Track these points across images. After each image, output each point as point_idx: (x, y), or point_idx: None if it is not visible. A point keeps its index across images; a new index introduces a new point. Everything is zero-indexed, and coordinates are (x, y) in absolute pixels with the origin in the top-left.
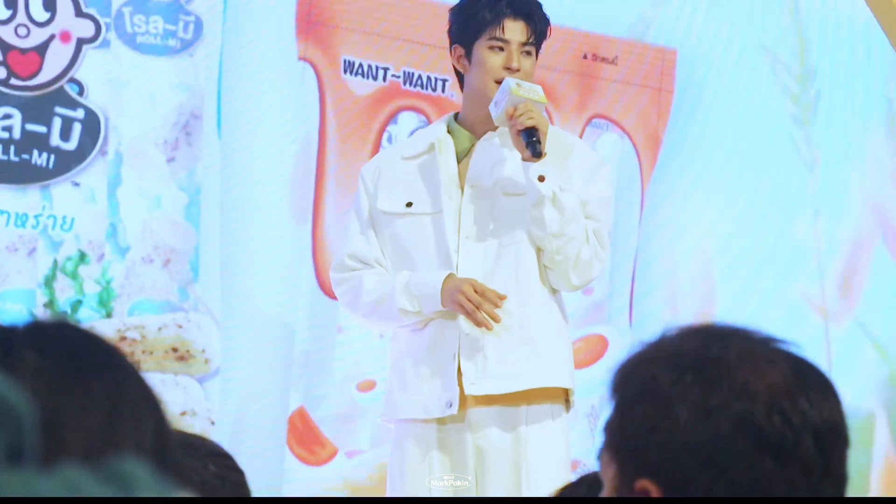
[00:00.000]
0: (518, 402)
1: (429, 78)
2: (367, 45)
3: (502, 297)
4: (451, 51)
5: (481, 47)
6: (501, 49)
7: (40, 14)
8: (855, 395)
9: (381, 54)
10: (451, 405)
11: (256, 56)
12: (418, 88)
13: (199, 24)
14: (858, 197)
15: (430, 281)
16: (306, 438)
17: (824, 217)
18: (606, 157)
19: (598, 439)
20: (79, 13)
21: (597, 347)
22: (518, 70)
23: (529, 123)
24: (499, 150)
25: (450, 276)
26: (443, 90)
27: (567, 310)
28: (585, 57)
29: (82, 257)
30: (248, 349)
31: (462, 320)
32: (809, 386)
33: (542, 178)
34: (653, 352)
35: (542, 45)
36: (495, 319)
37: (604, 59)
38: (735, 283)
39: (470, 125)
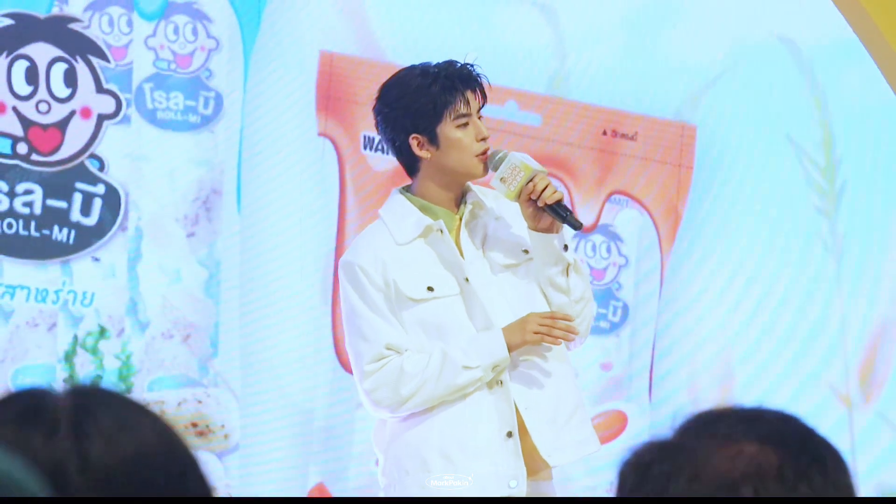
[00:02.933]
0: (549, 477)
1: None
2: None
3: (566, 317)
4: (398, 144)
5: (447, 128)
6: (467, 124)
7: (61, 90)
8: (882, 484)
9: None
10: (516, 483)
11: (276, 131)
12: None
13: (219, 100)
14: (885, 284)
15: (483, 337)
16: None
17: (849, 304)
18: (626, 233)
19: None
20: (99, 89)
21: (616, 423)
22: (488, 136)
23: (558, 197)
24: (488, 223)
25: (506, 327)
26: None
27: (584, 384)
28: (605, 133)
29: (102, 332)
30: (268, 424)
31: (517, 396)
32: (767, 479)
33: (566, 247)
34: (653, 441)
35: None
36: (573, 331)
37: (623, 136)
38: (755, 365)
39: (439, 202)
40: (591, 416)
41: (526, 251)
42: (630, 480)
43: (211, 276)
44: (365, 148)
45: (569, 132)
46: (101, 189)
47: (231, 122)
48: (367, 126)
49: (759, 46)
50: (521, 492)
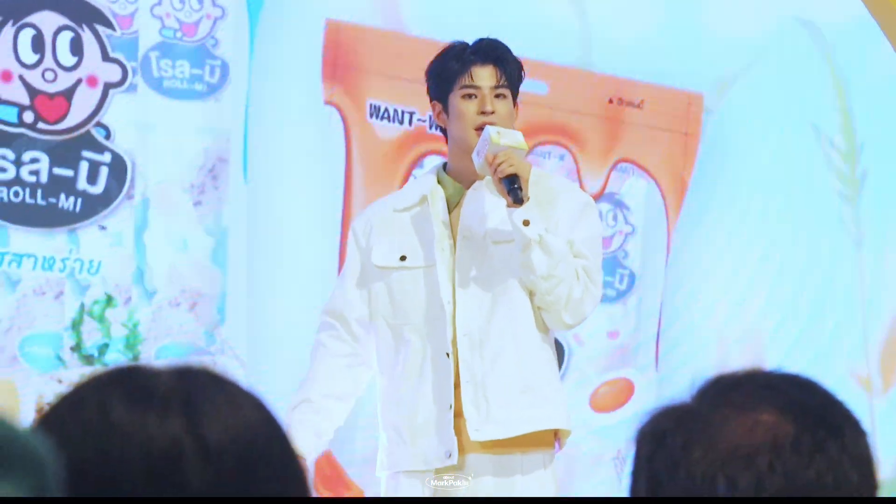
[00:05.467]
0: (513, 450)
1: None
2: (392, 90)
3: None
4: (431, 105)
5: (455, 98)
6: (474, 96)
7: (67, 59)
8: None
9: (407, 98)
10: (450, 455)
11: (283, 100)
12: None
13: (225, 69)
14: None
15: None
16: (333, 481)
17: (871, 289)
18: (632, 201)
19: (626, 485)
20: (106, 58)
21: (623, 391)
22: (493, 112)
23: (510, 171)
24: (487, 199)
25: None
26: None
27: (591, 353)
28: (612, 101)
29: (109, 301)
30: (275, 393)
31: (463, 370)
32: (783, 450)
33: (526, 223)
34: (671, 406)
35: (520, 89)
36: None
37: (630, 104)
38: (768, 340)
39: (458, 175)
40: (599, 384)
41: None
42: (645, 448)
43: (217, 245)
44: (371, 116)
45: (575, 100)
46: (107, 157)
47: (237, 91)
48: (373, 94)
49: (781, 30)
50: (454, 462)
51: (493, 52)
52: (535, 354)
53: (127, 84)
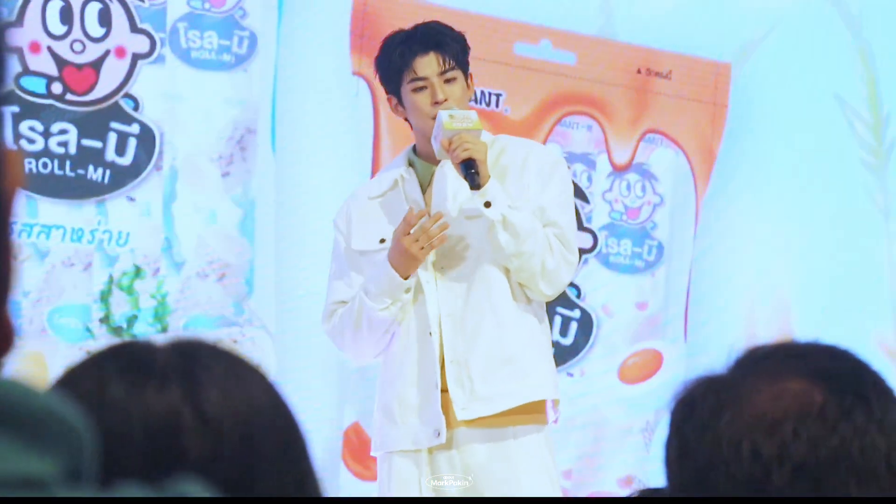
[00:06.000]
0: (504, 423)
1: (482, 93)
2: None
3: (434, 217)
4: (388, 99)
5: (406, 92)
6: (424, 87)
7: (95, 30)
8: None
9: None
10: (438, 434)
11: (311, 70)
12: (472, 103)
13: (253, 39)
14: None
15: (380, 271)
16: (361, 454)
17: None
18: (661, 172)
19: (654, 455)
20: (134, 29)
21: (652, 362)
22: (445, 100)
23: (465, 156)
24: (453, 175)
25: (388, 251)
26: (497, 105)
27: (619, 324)
28: (640, 72)
29: (138, 272)
30: (304, 364)
31: (447, 349)
32: (809, 417)
33: (488, 205)
34: (705, 375)
35: (469, 62)
36: (444, 228)
37: (658, 74)
38: (796, 313)
39: (426, 157)
40: (628, 355)
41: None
42: (677, 414)
43: (246, 216)
44: None
45: (602, 71)
46: (135, 129)
47: (265, 62)
48: None
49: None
50: (442, 441)
51: (431, 40)
52: (515, 326)
53: (155, 55)
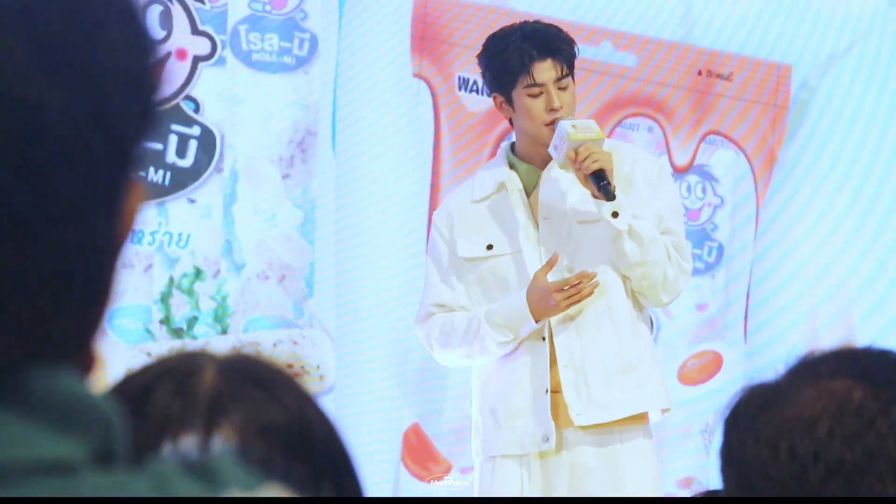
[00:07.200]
0: (612, 428)
1: None
2: None
3: (589, 275)
4: (492, 96)
5: (520, 95)
6: (539, 93)
7: (156, 31)
8: None
9: None
10: (547, 440)
11: (371, 73)
12: None
13: (314, 42)
14: None
15: (513, 306)
16: (420, 454)
17: None
18: (721, 173)
19: (714, 457)
20: (195, 31)
21: (712, 364)
22: (561, 108)
23: (595, 167)
24: (564, 179)
25: (528, 292)
26: None
27: (680, 326)
28: (700, 73)
29: (198, 274)
30: (363, 365)
31: (560, 353)
32: (846, 415)
33: (615, 214)
34: (759, 381)
35: (575, 66)
36: (595, 287)
37: (718, 75)
38: (858, 316)
39: (530, 159)
40: (688, 357)
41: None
42: (727, 420)
43: (306, 218)
44: (460, 89)
45: (663, 72)
46: (196, 130)
47: (326, 64)
48: (462, 67)
49: (886, 9)
50: (552, 447)
51: (549, 45)
52: (631, 334)
53: (216, 57)
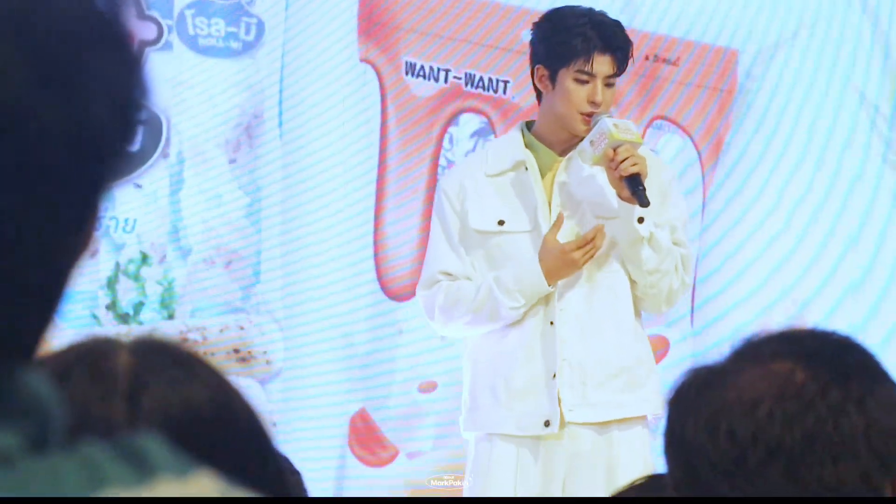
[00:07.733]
0: (609, 423)
1: (490, 80)
2: (428, 47)
3: (600, 229)
4: (533, 66)
5: (567, 76)
6: (587, 81)
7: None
8: None
9: (443, 56)
10: (548, 424)
11: (318, 57)
12: (480, 90)
13: (260, 26)
14: None
15: (525, 269)
16: (367, 439)
17: None
18: (669, 159)
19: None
20: (141, 16)
21: (658, 349)
22: (601, 103)
23: (634, 170)
24: (585, 170)
25: (541, 254)
26: (504, 91)
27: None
28: (647, 57)
29: (144, 259)
30: (310, 350)
31: (562, 346)
32: (786, 397)
33: (641, 220)
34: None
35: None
36: (603, 238)
37: (664, 60)
38: (806, 298)
39: (549, 143)
40: None
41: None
42: (669, 403)
43: (253, 202)
44: (407, 73)
45: None
46: (142, 115)
47: (272, 48)
48: (409, 52)
49: None
50: (554, 432)
51: (615, 41)
52: (633, 337)
53: (162, 42)
